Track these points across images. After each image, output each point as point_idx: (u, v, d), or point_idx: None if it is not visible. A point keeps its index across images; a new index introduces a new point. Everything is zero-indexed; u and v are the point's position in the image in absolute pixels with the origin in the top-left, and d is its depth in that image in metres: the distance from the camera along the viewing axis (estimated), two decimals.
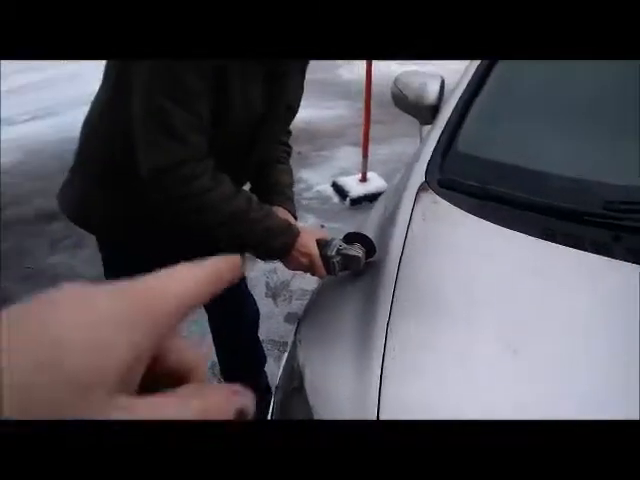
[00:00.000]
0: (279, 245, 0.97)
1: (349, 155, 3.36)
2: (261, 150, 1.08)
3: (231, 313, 1.47)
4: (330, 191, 3.04)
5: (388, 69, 4.73)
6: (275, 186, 1.15)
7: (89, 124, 1.07)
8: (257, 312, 1.53)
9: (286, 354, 1.03)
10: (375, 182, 2.97)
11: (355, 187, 2.95)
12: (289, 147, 1.24)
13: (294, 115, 1.13)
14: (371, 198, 2.90)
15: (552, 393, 0.75)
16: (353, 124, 3.57)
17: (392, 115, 3.78)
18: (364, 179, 3.00)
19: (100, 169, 1.05)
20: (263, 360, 1.62)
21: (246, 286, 1.49)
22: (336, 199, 2.98)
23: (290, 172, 1.21)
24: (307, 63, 1.11)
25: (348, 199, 2.90)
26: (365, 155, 2.95)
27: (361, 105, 3.00)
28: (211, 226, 0.94)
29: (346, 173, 3.15)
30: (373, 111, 2.96)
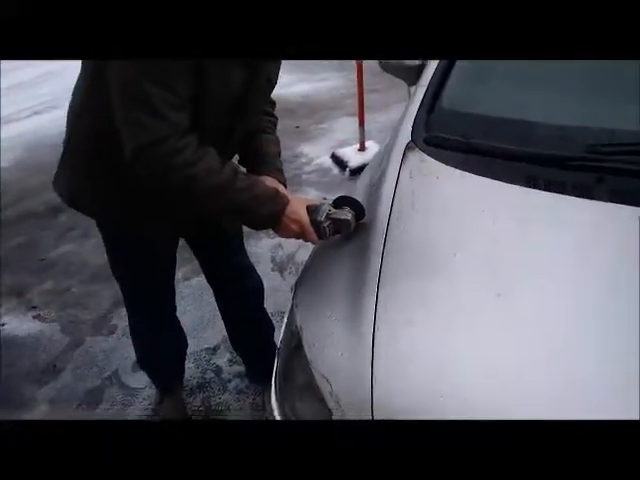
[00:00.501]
0: (268, 212, 1.00)
1: (347, 126, 3.35)
2: (245, 122, 1.10)
3: (235, 286, 1.51)
4: (330, 163, 3.05)
5: None
6: (263, 156, 1.17)
7: (72, 113, 1.10)
8: (261, 283, 1.57)
9: (285, 319, 1.07)
10: (374, 150, 2.96)
11: (354, 157, 2.95)
12: (274, 117, 1.25)
13: (273, 86, 1.14)
14: None
15: (541, 337, 0.77)
16: (349, 95, 3.55)
17: (387, 83, 3.75)
18: (362, 148, 3.00)
19: (87, 156, 1.09)
20: (271, 330, 1.66)
21: (247, 258, 1.52)
22: (336, 170, 2.99)
23: (277, 142, 1.23)
24: None
25: (348, 169, 2.91)
26: (361, 124, 2.94)
27: (354, 76, 2.98)
28: (199, 198, 0.97)
29: (345, 144, 3.15)
30: (368, 80, 2.94)
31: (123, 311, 2.17)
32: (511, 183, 0.98)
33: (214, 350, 1.93)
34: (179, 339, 1.60)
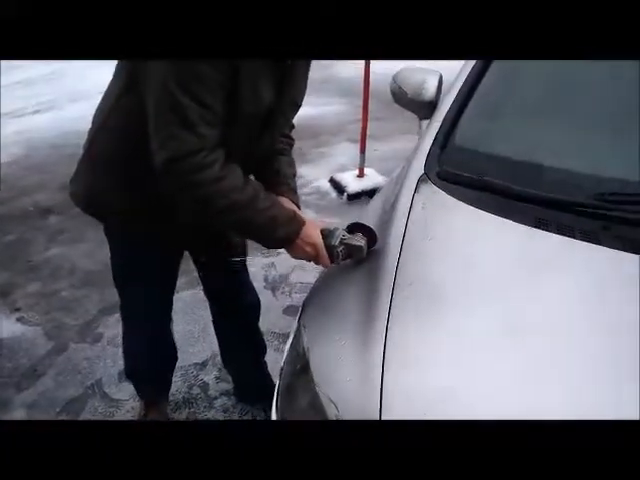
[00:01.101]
0: (285, 234, 1.01)
1: (347, 151, 3.40)
2: (267, 142, 1.12)
3: (233, 303, 1.50)
4: (328, 186, 3.08)
5: (385, 67, 4.77)
6: (278, 177, 1.19)
7: (100, 118, 1.11)
8: (258, 302, 1.56)
9: (290, 339, 1.07)
10: (372, 178, 3.01)
11: (352, 183, 2.99)
12: (292, 139, 1.28)
13: (298, 109, 1.17)
14: (368, 194, 2.94)
15: (545, 373, 0.79)
16: (352, 121, 3.61)
17: (390, 112, 3.82)
18: (361, 175, 3.04)
19: (110, 161, 1.09)
20: (263, 350, 1.66)
21: (248, 276, 1.52)
22: (334, 194, 3.02)
23: (293, 164, 1.25)
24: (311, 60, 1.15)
25: (345, 194, 2.94)
26: (362, 151, 2.99)
27: (360, 102, 3.04)
28: (221, 213, 0.98)
29: (344, 169, 3.19)
30: (371, 108, 3.00)
31: (110, 319, 2.15)
32: (518, 222, 1.01)
33: (202, 366, 1.91)
34: (170, 352, 1.58)
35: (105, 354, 1.98)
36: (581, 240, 0.96)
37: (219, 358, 1.90)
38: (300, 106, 1.16)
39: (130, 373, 1.61)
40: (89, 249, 2.52)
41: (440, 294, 0.93)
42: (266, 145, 1.14)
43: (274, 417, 0.98)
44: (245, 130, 1.03)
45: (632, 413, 0.72)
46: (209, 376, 1.87)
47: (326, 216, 2.78)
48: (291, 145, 1.28)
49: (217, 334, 1.64)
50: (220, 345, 1.66)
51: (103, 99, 1.11)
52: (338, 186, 3.02)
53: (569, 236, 0.97)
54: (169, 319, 1.49)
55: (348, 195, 2.93)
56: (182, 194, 0.96)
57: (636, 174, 0.99)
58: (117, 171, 1.08)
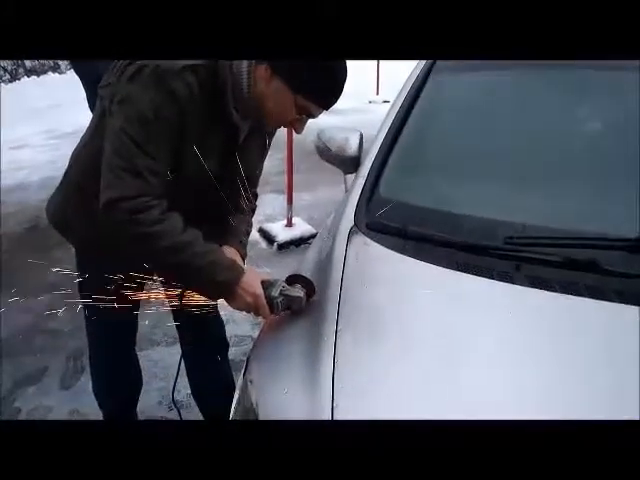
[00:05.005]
0: (222, 280, 1.05)
1: (274, 202, 3.48)
2: (216, 203, 1.18)
3: (201, 338, 1.49)
4: (257, 237, 3.12)
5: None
6: (231, 229, 1.24)
7: (76, 150, 1.24)
8: (225, 338, 1.57)
9: (236, 396, 1.07)
10: (300, 227, 3.10)
11: (281, 232, 3.06)
12: (254, 205, 1.36)
13: (252, 178, 1.27)
14: (297, 242, 3.02)
15: (478, 394, 0.86)
16: (274, 173, 3.71)
17: (311, 164, 3.99)
18: (290, 224, 3.12)
19: (77, 190, 1.22)
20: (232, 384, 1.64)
21: (218, 313, 1.51)
22: (264, 244, 3.07)
23: (249, 223, 1.33)
24: (273, 135, 1.27)
25: (275, 244, 3.00)
26: (290, 202, 3.08)
27: (281, 155, 3.15)
28: (158, 253, 1.02)
29: (272, 219, 3.25)
30: (294, 160, 3.13)
31: (27, 390, 1.99)
32: (441, 266, 1.11)
33: None
34: (134, 375, 1.59)
35: None
36: (497, 280, 1.07)
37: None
38: (254, 175, 1.26)
39: (96, 393, 1.60)
40: None
41: (380, 336, 0.99)
42: (215, 206, 1.18)
43: None
44: (191, 187, 1.09)
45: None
46: None
47: (257, 266, 2.80)
48: (252, 209, 1.34)
49: (186, 366, 1.60)
50: (189, 377, 1.63)
51: (82, 135, 1.22)
52: (268, 236, 3.07)
53: (485, 276, 1.08)
54: (133, 342, 1.51)
55: (278, 245, 2.99)
56: (121, 233, 1.01)
57: (541, 219, 1.14)
58: (82, 200, 1.17)
